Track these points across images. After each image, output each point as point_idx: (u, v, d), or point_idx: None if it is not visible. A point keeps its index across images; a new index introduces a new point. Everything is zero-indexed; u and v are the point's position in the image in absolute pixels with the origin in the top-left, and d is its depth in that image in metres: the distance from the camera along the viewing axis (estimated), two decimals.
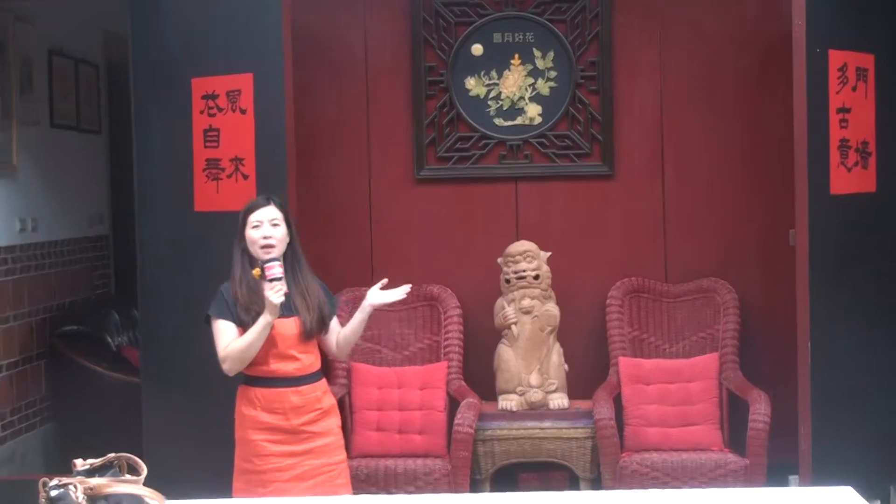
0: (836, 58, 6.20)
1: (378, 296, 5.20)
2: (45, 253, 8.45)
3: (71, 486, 3.72)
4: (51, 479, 3.76)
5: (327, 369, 6.27)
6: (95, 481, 3.82)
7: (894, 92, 6.48)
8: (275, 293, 4.88)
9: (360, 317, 5.22)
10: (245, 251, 5.10)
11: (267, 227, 5.04)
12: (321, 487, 5.07)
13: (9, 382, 7.76)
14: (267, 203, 5.13)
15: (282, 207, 5.16)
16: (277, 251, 5.02)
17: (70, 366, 8.15)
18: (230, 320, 5.06)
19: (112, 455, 3.99)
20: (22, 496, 4.01)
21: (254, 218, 5.06)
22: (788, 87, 6.16)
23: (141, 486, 3.94)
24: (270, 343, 5.04)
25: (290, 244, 5.15)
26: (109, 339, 8.60)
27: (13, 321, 7.88)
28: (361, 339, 6.35)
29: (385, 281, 5.24)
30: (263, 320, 4.94)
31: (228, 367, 5.05)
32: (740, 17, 7.18)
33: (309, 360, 5.17)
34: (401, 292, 5.22)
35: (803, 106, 6.06)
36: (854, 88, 6.31)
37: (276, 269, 4.91)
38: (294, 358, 5.12)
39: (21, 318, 8.01)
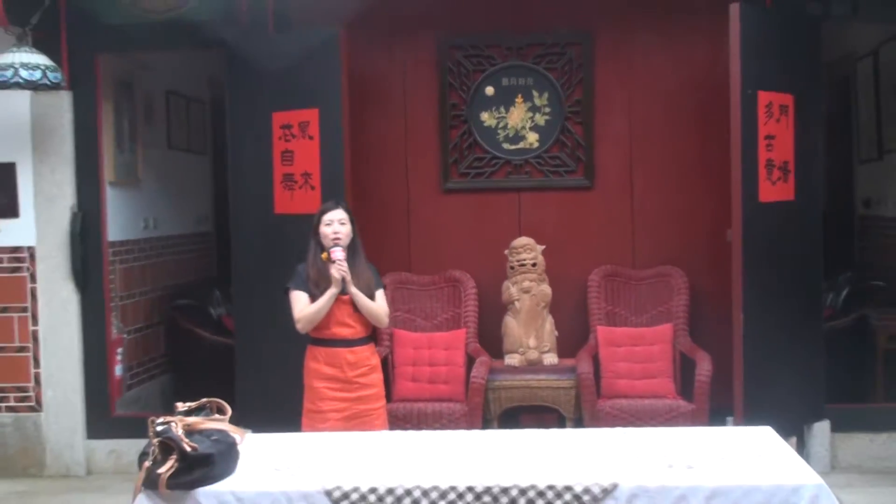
0: (763, 97, 6.18)
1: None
2: (163, 245, 8.49)
3: (172, 423, 3.77)
4: (157, 418, 3.80)
5: (375, 335, 6.27)
6: (192, 419, 3.87)
7: (808, 123, 6.47)
8: (337, 271, 5.02)
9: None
10: (318, 242, 5.19)
11: (336, 225, 5.14)
12: (365, 426, 5.15)
13: (135, 343, 7.80)
14: (337, 207, 5.23)
15: (348, 210, 5.24)
16: (343, 243, 5.11)
17: (182, 331, 8.17)
18: (304, 291, 5.15)
19: (205, 399, 4.05)
20: (143, 428, 4.03)
21: (326, 218, 5.16)
22: (727, 120, 6.16)
23: (227, 423, 3.99)
24: (331, 313, 5.13)
25: (352, 239, 5.20)
26: (212, 311, 8.61)
27: (139, 296, 7.94)
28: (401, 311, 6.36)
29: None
30: (329, 292, 5.07)
31: (301, 327, 5.17)
32: (691, 67, 7.13)
33: (360, 328, 5.23)
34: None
35: (738, 134, 6.07)
36: (778, 121, 6.28)
37: (339, 254, 5.06)
38: (349, 325, 5.19)
39: (145, 295, 8.06)
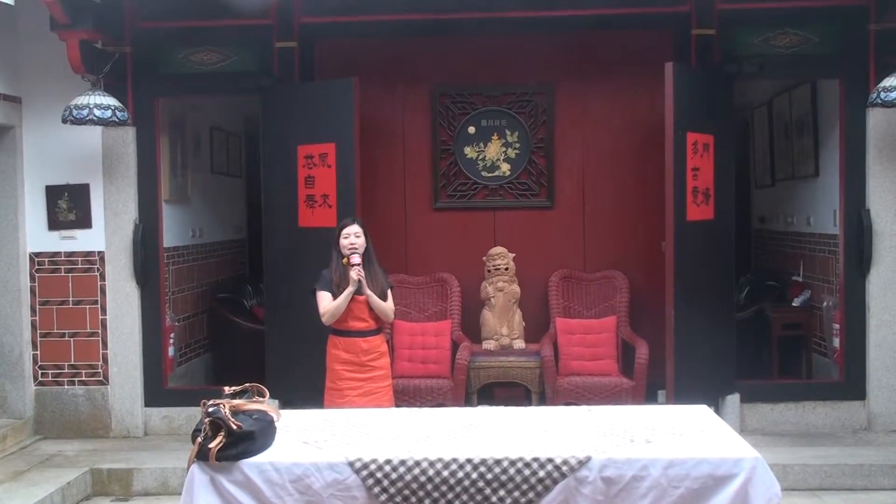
0: (691, 137, 6.03)
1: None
2: (207, 250, 8.17)
3: (221, 405, 3.59)
4: (208, 401, 3.57)
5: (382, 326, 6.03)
6: (236, 401, 3.68)
7: (723, 158, 6.29)
8: (354, 273, 4.87)
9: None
10: (338, 251, 5.04)
11: (352, 238, 5.02)
12: (375, 401, 5.03)
13: (184, 329, 7.51)
14: (353, 223, 5.12)
15: (363, 226, 5.13)
16: (358, 252, 4.98)
17: (221, 318, 7.90)
18: (328, 291, 5.00)
19: (247, 384, 3.85)
20: (190, 398, 3.80)
21: (345, 231, 5.05)
22: (661, 154, 6.00)
23: (265, 404, 3.75)
24: (349, 310, 5.00)
25: (366, 248, 5.07)
26: (245, 302, 8.35)
27: (187, 290, 7.63)
28: (399, 305, 6.16)
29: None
30: (347, 291, 4.96)
31: (326, 320, 5.03)
32: (632, 112, 6.90)
33: (372, 322, 5.11)
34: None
35: (671, 166, 5.92)
36: (702, 156, 6.13)
37: (355, 259, 4.94)
38: (364, 320, 5.07)
39: (192, 289, 7.75)
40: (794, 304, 7.51)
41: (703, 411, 4.14)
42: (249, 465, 3.46)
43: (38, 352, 6.66)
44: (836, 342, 6.63)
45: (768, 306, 7.61)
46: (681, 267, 5.95)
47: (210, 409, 3.47)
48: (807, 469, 5.68)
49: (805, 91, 7.44)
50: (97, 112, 5.95)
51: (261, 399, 3.71)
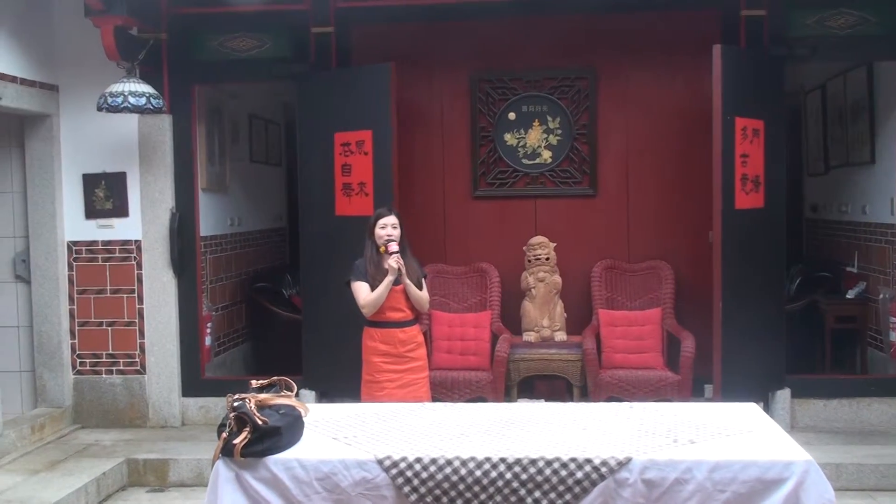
0: (740, 122, 5.80)
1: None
2: (246, 238, 8.11)
3: (246, 399, 3.46)
4: (233, 395, 3.46)
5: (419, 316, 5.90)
6: (263, 396, 3.56)
7: (774, 144, 6.05)
8: (395, 261, 4.82)
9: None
10: (373, 242, 4.96)
11: (389, 229, 4.93)
12: (413, 393, 4.94)
13: (223, 318, 7.46)
14: (390, 213, 5.02)
15: (398, 216, 5.03)
16: (395, 241, 4.89)
17: (260, 308, 7.84)
18: (365, 281, 4.90)
19: (275, 378, 3.74)
20: (228, 388, 3.71)
21: (381, 222, 4.97)
22: (707, 140, 5.83)
23: (293, 398, 3.64)
24: (386, 300, 4.90)
25: (401, 238, 4.95)
26: (284, 291, 8.27)
27: (225, 280, 7.58)
28: (437, 295, 6.01)
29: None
30: (387, 280, 4.85)
31: (367, 312, 4.95)
32: (676, 96, 6.64)
33: (409, 312, 5.04)
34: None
35: (719, 152, 5.72)
36: (751, 142, 5.90)
37: (394, 247, 4.87)
38: (401, 310, 4.99)
39: (231, 279, 7.70)
40: (848, 296, 7.22)
41: (751, 409, 3.94)
42: (275, 461, 3.35)
43: (76, 341, 6.66)
44: (893, 336, 6.37)
45: (821, 298, 7.34)
46: (729, 257, 5.74)
47: (235, 404, 3.36)
48: (862, 469, 5.44)
49: (861, 74, 7.13)
50: (132, 100, 5.90)
51: (289, 393, 3.59)
